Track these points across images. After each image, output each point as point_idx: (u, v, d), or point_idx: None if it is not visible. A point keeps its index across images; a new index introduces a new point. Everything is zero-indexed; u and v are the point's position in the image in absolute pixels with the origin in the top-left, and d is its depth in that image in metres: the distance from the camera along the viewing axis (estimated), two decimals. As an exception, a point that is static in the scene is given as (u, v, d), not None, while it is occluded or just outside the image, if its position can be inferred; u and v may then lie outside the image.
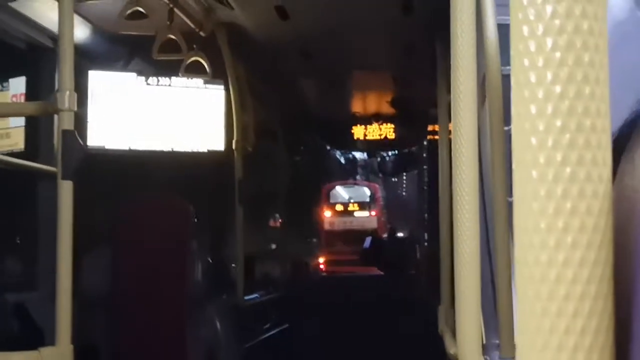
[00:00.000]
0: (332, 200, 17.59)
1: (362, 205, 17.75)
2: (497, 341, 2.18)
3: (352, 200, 17.85)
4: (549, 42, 0.59)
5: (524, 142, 0.59)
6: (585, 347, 0.57)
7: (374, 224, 16.91)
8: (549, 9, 0.58)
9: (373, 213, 17.67)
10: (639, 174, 0.67)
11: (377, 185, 18.87)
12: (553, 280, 0.57)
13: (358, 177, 19.41)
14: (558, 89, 0.58)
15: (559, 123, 0.58)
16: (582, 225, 0.58)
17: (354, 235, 15.63)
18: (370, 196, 18.03)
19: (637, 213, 0.64)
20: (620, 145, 0.75)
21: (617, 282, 0.60)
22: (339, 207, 17.59)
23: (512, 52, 0.63)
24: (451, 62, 1.96)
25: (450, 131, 4.13)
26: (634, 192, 0.66)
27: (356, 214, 17.55)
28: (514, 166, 0.61)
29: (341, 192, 18.13)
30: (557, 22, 0.58)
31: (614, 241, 0.60)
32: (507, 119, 2.16)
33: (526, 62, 0.60)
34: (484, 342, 2.27)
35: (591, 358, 0.57)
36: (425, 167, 7.66)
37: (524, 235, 0.59)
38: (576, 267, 0.57)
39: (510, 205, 2.12)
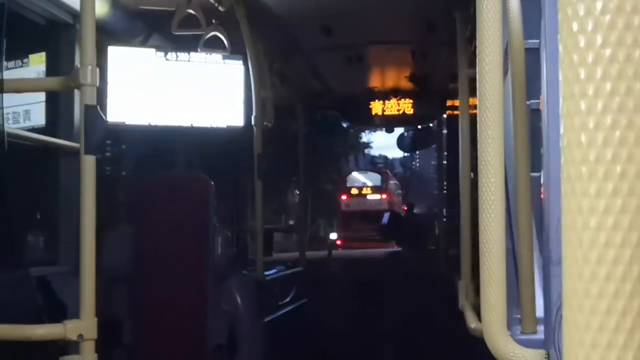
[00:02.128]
0: (348, 184, 20.33)
1: (375, 189, 20.42)
2: (518, 316, 2.18)
3: (366, 185, 20.54)
4: (599, 4, 0.58)
5: (572, 107, 0.59)
6: (634, 310, 0.57)
7: (385, 205, 19.09)
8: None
9: (384, 196, 20.28)
10: None
11: (388, 172, 22.12)
12: (602, 244, 0.57)
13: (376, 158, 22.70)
14: (608, 52, 0.58)
15: (608, 87, 0.57)
16: (632, 189, 0.57)
17: (367, 215, 17.51)
18: (381, 181, 20.72)
19: None
20: None
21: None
22: (354, 191, 20.18)
23: (560, 17, 0.62)
24: (476, 35, 1.94)
25: (470, 105, 4.11)
26: None
27: (369, 196, 20.17)
28: (562, 131, 0.61)
29: (357, 177, 20.95)
30: (606, -15, 0.57)
31: None
32: (529, 93, 2.16)
33: (575, 26, 0.59)
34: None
35: (639, 321, 0.57)
36: (444, 142, 7.63)
37: (572, 199, 0.59)
38: (625, 231, 0.57)
39: (532, 180, 2.12)
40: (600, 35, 0.59)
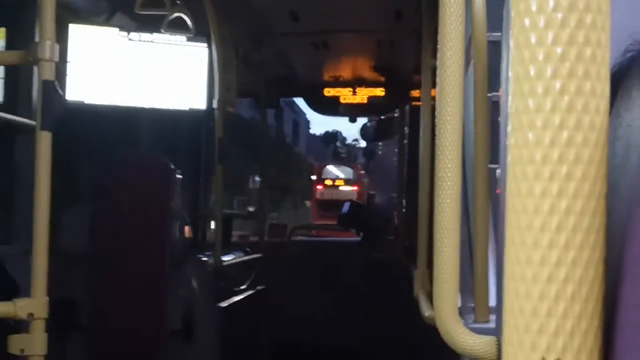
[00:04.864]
0: (323, 176, 22.76)
1: (347, 181, 22.78)
2: (472, 304, 2.19)
3: (339, 177, 22.88)
4: (551, 1, 0.57)
5: (520, 104, 0.58)
6: (575, 314, 0.56)
7: (355, 196, 21.02)
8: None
9: (355, 187, 22.49)
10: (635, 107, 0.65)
11: (359, 166, 24.60)
12: (545, 245, 0.56)
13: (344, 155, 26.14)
14: (559, 50, 0.57)
15: (558, 85, 0.57)
16: (577, 191, 0.57)
17: (340, 204, 18.86)
18: (353, 174, 23.04)
19: (632, 149, 0.63)
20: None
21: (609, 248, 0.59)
22: (329, 182, 22.57)
23: (513, 13, 0.61)
24: (438, 26, 1.94)
25: (432, 97, 4.11)
26: (628, 126, 0.65)
27: (341, 187, 22.45)
28: (509, 130, 0.60)
29: (331, 170, 23.32)
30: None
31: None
32: (490, 85, 2.16)
33: (527, 22, 0.58)
34: (459, 305, 2.28)
35: (580, 324, 0.57)
36: (406, 133, 7.64)
37: (517, 200, 0.58)
38: (569, 233, 0.56)
39: (491, 172, 2.13)
40: (551, 33, 0.58)
